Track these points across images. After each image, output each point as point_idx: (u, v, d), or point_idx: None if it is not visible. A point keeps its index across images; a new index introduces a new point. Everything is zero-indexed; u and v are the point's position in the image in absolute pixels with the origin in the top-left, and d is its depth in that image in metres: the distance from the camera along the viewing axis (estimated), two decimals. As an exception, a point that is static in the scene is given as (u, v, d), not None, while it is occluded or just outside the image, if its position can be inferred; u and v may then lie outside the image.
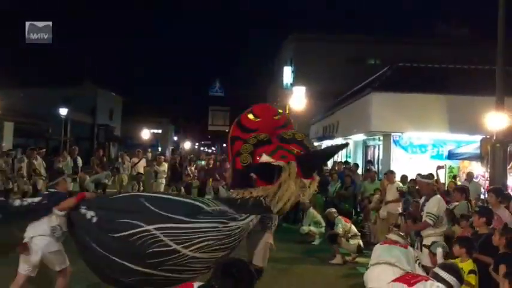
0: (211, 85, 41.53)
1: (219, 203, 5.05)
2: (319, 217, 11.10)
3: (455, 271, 3.65)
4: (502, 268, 4.76)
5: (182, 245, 4.55)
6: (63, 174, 6.29)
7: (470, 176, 12.72)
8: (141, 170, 15.87)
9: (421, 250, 6.60)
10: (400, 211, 10.34)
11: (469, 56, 21.29)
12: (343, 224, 9.45)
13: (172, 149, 50.96)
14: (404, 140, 16.78)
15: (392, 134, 16.72)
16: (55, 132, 29.64)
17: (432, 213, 6.42)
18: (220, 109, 46.20)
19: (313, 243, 10.69)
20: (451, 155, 15.20)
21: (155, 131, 51.10)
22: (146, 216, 4.62)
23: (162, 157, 17.78)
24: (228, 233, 4.72)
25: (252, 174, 5.07)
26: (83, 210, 5.01)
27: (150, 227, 4.54)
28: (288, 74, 34.19)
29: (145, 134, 40.21)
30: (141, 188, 14.32)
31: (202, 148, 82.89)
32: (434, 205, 6.45)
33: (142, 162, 16.38)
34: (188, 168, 18.56)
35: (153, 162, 16.70)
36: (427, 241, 6.50)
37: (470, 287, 4.87)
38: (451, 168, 15.42)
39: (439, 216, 6.42)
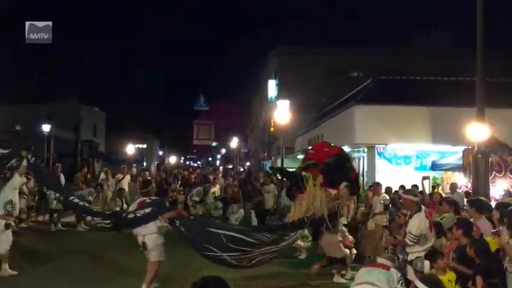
0: (195, 99, 41.50)
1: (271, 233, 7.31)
2: (305, 231, 11.06)
3: (434, 283, 3.64)
4: (479, 280, 4.83)
5: (243, 263, 7.14)
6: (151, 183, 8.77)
7: (453, 187, 12.83)
8: (126, 186, 15.74)
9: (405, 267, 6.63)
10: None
11: (450, 68, 21.63)
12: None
13: (157, 164, 50.79)
14: (388, 152, 16.93)
15: (377, 146, 16.85)
16: (38, 149, 29.26)
17: (412, 233, 6.39)
18: (205, 123, 46.30)
19: (300, 257, 10.63)
20: (434, 166, 15.35)
21: (140, 146, 50.79)
22: (220, 246, 6.91)
23: (147, 172, 17.71)
24: (278, 249, 7.35)
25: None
26: (177, 223, 7.19)
27: (224, 254, 6.93)
28: (272, 87, 34.36)
29: (130, 149, 39.91)
30: (124, 205, 14.16)
31: (188, 162, 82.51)
32: (415, 225, 6.39)
33: (127, 178, 16.26)
34: (173, 185, 18.51)
35: (138, 178, 16.60)
36: (411, 257, 6.51)
37: None
38: (434, 179, 15.56)
39: (419, 236, 6.39)
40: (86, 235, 12.87)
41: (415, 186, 13.06)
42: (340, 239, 8.32)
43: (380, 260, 4.97)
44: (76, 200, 8.38)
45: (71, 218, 14.06)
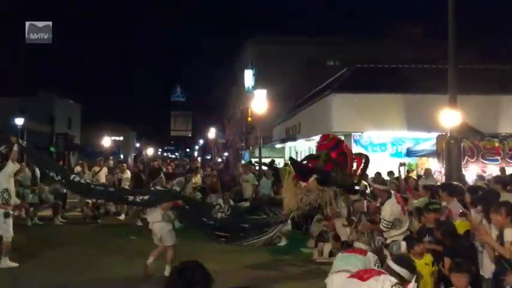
0: (172, 90, 41.17)
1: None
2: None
3: (407, 263, 3.71)
4: (446, 261, 5.00)
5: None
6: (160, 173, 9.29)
7: (428, 172, 13.12)
8: (103, 179, 15.59)
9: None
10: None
11: (422, 55, 21.97)
12: None
13: (134, 156, 50.33)
14: (364, 139, 17.15)
15: (353, 133, 17.05)
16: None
17: (385, 219, 6.59)
18: (182, 114, 45.99)
19: (279, 244, 10.72)
20: (409, 153, 15.65)
21: (116, 138, 50.24)
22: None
23: (125, 164, 17.56)
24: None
25: None
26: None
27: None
28: (249, 77, 34.33)
29: (106, 141, 39.47)
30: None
31: (165, 154, 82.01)
32: (387, 211, 6.58)
33: (104, 171, 16.10)
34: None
35: (116, 170, 16.46)
36: (389, 241, 6.69)
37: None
38: (409, 165, 15.86)
39: (393, 221, 6.58)
40: (63, 228, 12.75)
41: (391, 173, 13.36)
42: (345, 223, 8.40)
43: (357, 244, 5.06)
44: (77, 179, 8.64)
45: (47, 212, 13.89)
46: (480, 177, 11.80)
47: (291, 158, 9.87)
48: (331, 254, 8.77)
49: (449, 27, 10.73)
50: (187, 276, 2.44)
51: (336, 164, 8.10)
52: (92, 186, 8.64)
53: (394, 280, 3.40)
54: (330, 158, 8.24)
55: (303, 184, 7.78)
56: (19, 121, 27.89)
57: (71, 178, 8.62)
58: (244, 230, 8.15)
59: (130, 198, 8.46)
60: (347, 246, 8.51)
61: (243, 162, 24.39)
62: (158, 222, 7.97)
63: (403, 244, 6.21)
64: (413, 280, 3.79)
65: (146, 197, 8.28)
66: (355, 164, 8.06)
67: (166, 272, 7.75)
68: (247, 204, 12.11)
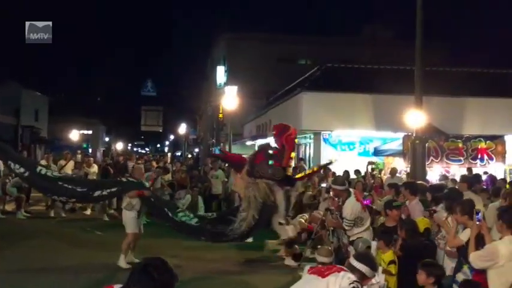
0: (143, 85, 40.66)
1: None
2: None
3: (368, 260, 3.73)
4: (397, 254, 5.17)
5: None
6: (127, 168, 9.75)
7: (394, 171, 13.36)
8: (69, 172, 15.29)
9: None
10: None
11: (393, 56, 22.37)
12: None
13: (103, 150, 49.57)
14: (333, 138, 17.36)
15: (322, 132, 17.24)
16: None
17: (347, 218, 6.73)
18: (153, 109, 45.53)
19: (247, 240, 10.72)
20: (376, 152, 15.92)
21: (85, 132, 49.27)
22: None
23: (92, 159, 17.28)
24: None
25: None
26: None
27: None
28: (221, 73, 34.22)
29: (74, 135, 38.72)
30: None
31: (135, 149, 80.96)
32: (348, 211, 6.71)
33: (70, 165, 15.80)
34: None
35: (83, 164, 16.18)
36: (352, 238, 6.81)
37: (390, 276, 5.16)
38: (376, 164, 16.13)
39: (354, 220, 6.71)
40: (26, 223, 12.47)
41: (357, 172, 13.57)
42: (282, 220, 8.52)
43: (320, 258, 4.92)
44: (44, 171, 8.38)
45: (10, 206, 13.56)
46: (444, 177, 12.14)
47: (219, 150, 10.51)
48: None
49: (417, 30, 10.99)
50: (150, 274, 2.38)
51: (269, 156, 8.37)
52: (59, 183, 8.33)
53: (353, 277, 3.44)
54: (264, 150, 8.73)
55: (239, 176, 8.40)
56: (-17, 112, 27.06)
57: (37, 171, 8.32)
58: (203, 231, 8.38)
59: (97, 193, 8.55)
60: (290, 244, 8.59)
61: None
62: (124, 210, 8.42)
63: (373, 243, 6.33)
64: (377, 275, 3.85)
65: (114, 189, 8.68)
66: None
67: (120, 262, 7.98)
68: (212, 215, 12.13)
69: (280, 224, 8.47)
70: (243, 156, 9.09)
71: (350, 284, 3.37)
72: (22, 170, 8.29)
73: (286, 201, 8.51)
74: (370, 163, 12.76)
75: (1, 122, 32.22)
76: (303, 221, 9.38)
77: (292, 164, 8.72)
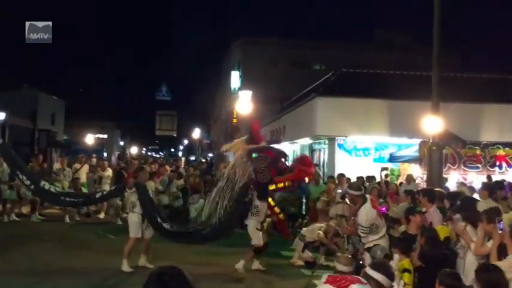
0: (157, 89, 40.85)
1: None
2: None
3: (384, 269, 3.63)
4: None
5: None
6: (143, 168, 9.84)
7: (409, 178, 13.17)
8: (84, 176, 15.39)
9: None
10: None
11: (409, 61, 22.14)
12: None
13: (118, 154, 49.83)
14: (348, 144, 17.18)
15: (337, 137, 17.08)
16: (-8, 138, 28.15)
17: (362, 225, 6.58)
18: (168, 113, 45.62)
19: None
20: (392, 158, 15.71)
21: (100, 136, 49.66)
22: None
23: (106, 162, 17.37)
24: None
25: None
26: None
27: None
28: (235, 78, 34.25)
29: (90, 139, 39.01)
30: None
31: (150, 153, 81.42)
32: (363, 217, 6.57)
33: (85, 168, 15.88)
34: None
35: (97, 168, 16.25)
36: (368, 245, 6.67)
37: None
38: (392, 170, 15.93)
39: (370, 227, 6.57)
40: (41, 226, 12.54)
41: (372, 178, 13.40)
42: (257, 226, 8.43)
43: (339, 266, 4.69)
44: (47, 186, 8.72)
45: (26, 209, 13.66)
46: (461, 185, 11.92)
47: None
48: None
49: (434, 35, 10.84)
50: (166, 284, 2.27)
51: (275, 161, 8.41)
52: (61, 198, 8.97)
53: None
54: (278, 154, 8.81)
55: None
56: (1, 116, 27.41)
57: (41, 185, 8.69)
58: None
59: (98, 194, 9.45)
60: (257, 251, 8.34)
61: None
62: (129, 213, 8.56)
63: (383, 249, 6.20)
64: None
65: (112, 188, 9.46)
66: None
67: (123, 267, 8.02)
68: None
69: (257, 229, 8.35)
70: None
71: None
72: (28, 182, 8.69)
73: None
74: (383, 169, 12.59)
75: (18, 125, 32.60)
76: (321, 233, 9.12)
77: (274, 187, 8.50)
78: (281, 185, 8.49)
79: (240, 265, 8.10)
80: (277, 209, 8.94)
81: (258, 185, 8.26)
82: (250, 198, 8.37)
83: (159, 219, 8.22)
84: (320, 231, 9.01)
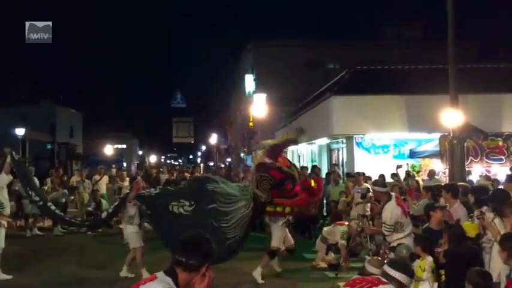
0: (172, 97, 41.09)
1: None
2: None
3: (403, 267, 3.54)
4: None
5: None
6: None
7: (431, 174, 12.93)
8: (103, 187, 15.48)
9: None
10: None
11: (422, 56, 21.83)
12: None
13: (137, 164, 50.26)
14: (366, 142, 16.97)
15: (355, 136, 16.88)
16: (13, 153, 28.54)
17: (386, 223, 6.43)
18: (184, 120, 45.92)
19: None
20: (412, 154, 15.45)
21: (119, 146, 50.23)
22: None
23: (125, 173, 17.43)
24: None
25: None
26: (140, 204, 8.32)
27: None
28: (249, 81, 34.22)
29: (109, 149, 39.47)
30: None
31: (168, 161, 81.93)
32: (387, 215, 6.43)
33: (105, 179, 15.97)
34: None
35: (116, 178, 16.33)
36: (393, 244, 6.52)
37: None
38: (413, 166, 15.67)
39: (394, 225, 6.41)
40: (63, 239, 12.62)
41: (394, 175, 13.18)
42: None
43: (370, 269, 4.45)
44: (53, 207, 8.78)
45: (48, 222, 13.77)
46: (485, 177, 11.62)
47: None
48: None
49: (449, 27, 10.63)
50: (195, 245, 2.66)
51: (283, 180, 8.13)
52: (66, 219, 9.26)
53: None
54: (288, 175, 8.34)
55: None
56: (20, 131, 27.82)
57: (48, 205, 8.84)
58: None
59: (104, 214, 9.26)
60: (273, 254, 8.17)
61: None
62: (125, 225, 8.51)
63: (408, 248, 6.04)
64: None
65: (116, 203, 9.03)
66: None
67: (122, 273, 8.16)
68: None
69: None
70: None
71: None
72: (37, 198, 8.75)
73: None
74: (398, 166, 12.35)
75: (38, 140, 33.09)
76: (344, 242, 8.90)
77: (272, 209, 8.23)
78: (280, 209, 8.22)
79: (257, 272, 7.98)
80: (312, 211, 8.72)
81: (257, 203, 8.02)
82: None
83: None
84: (343, 241, 8.76)
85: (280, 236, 8.26)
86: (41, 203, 8.72)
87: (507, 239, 3.85)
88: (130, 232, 8.35)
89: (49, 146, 35.45)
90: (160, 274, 2.63)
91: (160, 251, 8.18)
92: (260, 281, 7.92)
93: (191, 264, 2.58)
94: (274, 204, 8.15)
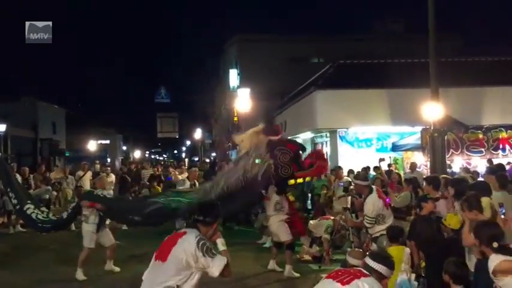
0: (156, 92, 40.78)
1: None
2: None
3: (384, 258, 3.57)
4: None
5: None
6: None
7: (413, 166, 13.11)
8: (87, 183, 15.37)
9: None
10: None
11: (405, 50, 22.02)
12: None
13: (122, 159, 49.92)
14: (350, 135, 17.13)
15: (338, 130, 17.03)
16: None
17: (368, 215, 6.55)
18: (168, 115, 45.59)
19: (265, 245, 10.60)
20: (394, 147, 15.65)
21: (103, 141, 49.72)
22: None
23: (109, 168, 17.34)
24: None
25: None
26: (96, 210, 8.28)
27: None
28: (234, 76, 34.14)
29: (92, 145, 39.08)
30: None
31: (153, 156, 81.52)
32: (369, 208, 6.55)
33: (88, 175, 15.86)
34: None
35: (101, 174, 16.23)
36: (375, 235, 6.63)
37: None
38: (395, 159, 15.86)
39: (376, 217, 6.52)
40: (46, 235, 12.40)
41: (376, 168, 13.35)
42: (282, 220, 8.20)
43: (351, 260, 4.51)
44: (30, 211, 8.54)
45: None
46: (465, 170, 11.83)
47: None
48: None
49: (430, 21, 10.77)
50: (214, 206, 4.10)
51: (296, 156, 7.97)
52: (39, 225, 8.70)
53: (379, 286, 3.31)
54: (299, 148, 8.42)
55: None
56: (1, 127, 27.41)
57: (24, 209, 8.56)
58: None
59: (64, 215, 8.89)
60: (291, 246, 8.11)
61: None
62: (83, 223, 8.47)
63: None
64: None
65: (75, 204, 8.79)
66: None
67: (77, 275, 8.07)
68: None
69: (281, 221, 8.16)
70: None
71: None
72: (15, 201, 8.59)
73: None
74: (381, 160, 12.49)
75: (20, 136, 32.65)
76: (327, 236, 9.01)
77: (294, 182, 8.10)
78: (301, 180, 8.21)
79: (288, 271, 7.98)
80: (296, 204, 8.78)
81: (278, 179, 7.82)
82: (264, 194, 7.96)
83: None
84: (326, 235, 8.89)
85: (284, 229, 8.11)
86: (18, 206, 8.60)
87: (478, 227, 3.93)
88: (86, 231, 8.31)
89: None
90: (187, 229, 3.80)
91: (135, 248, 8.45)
92: (295, 274, 7.96)
93: (207, 221, 3.80)
94: (295, 178, 7.99)
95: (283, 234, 8.02)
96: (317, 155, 8.74)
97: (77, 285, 7.87)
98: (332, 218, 9.32)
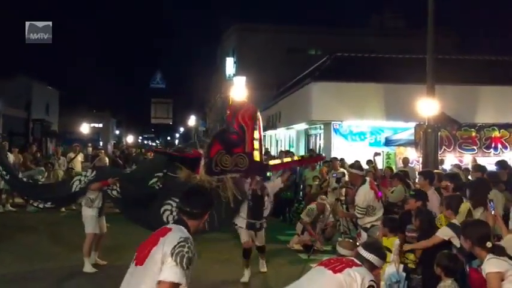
0: (151, 77, 40.61)
1: None
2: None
3: (376, 249, 3.62)
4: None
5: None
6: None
7: (406, 161, 13.18)
8: (78, 165, 15.33)
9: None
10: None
11: (403, 46, 22.04)
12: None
13: (114, 143, 49.73)
14: (344, 128, 17.17)
15: (333, 122, 17.06)
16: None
17: (359, 205, 6.58)
18: (163, 101, 45.55)
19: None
20: (387, 142, 15.69)
21: (96, 125, 49.52)
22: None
23: (103, 151, 17.30)
24: None
25: None
26: (109, 192, 7.46)
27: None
28: (230, 64, 34.06)
29: (85, 128, 38.90)
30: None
31: (146, 141, 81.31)
32: (360, 198, 6.57)
33: (79, 157, 15.81)
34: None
35: (95, 157, 16.18)
36: (365, 226, 6.67)
37: None
38: (388, 154, 15.91)
39: (366, 208, 6.56)
40: (36, 216, 12.46)
41: (369, 162, 13.39)
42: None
43: (342, 251, 4.50)
44: (24, 179, 8.34)
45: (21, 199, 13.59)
46: (456, 166, 11.89)
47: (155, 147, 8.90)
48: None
49: (429, 18, 10.75)
50: (199, 194, 3.22)
51: (226, 143, 6.94)
52: (32, 190, 8.36)
53: (370, 277, 3.33)
54: (218, 137, 7.19)
55: (197, 176, 6.75)
56: (-6, 106, 27.22)
57: (19, 177, 8.52)
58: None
59: (74, 186, 7.75)
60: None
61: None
62: (84, 207, 7.67)
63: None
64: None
65: (82, 184, 7.68)
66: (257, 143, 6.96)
67: (85, 268, 7.42)
68: None
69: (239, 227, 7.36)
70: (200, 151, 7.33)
71: (369, 286, 3.29)
72: (4, 172, 8.19)
73: (254, 201, 7.13)
74: (376, 154, 12.54)
75: (12, 115, 32.41)
76: (307, 218, 9.17)
77: (257, 146, 7.07)
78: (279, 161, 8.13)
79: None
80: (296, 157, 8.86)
81: (251, 174, 7.11)
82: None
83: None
84: (306, 218, 9.05)
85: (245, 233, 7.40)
86: (8, 176, 8.18)
87: (466, 227, 3.91)
88: (89, 215, 7.61)
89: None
90: (173, 225, 3.00)
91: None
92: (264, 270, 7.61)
93: (195, 213, 3.01)
94: (251, 155, 7.12)
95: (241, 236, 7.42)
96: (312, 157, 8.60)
97: (66, 264, 7.86)
98: (315, 202, 9.49)
